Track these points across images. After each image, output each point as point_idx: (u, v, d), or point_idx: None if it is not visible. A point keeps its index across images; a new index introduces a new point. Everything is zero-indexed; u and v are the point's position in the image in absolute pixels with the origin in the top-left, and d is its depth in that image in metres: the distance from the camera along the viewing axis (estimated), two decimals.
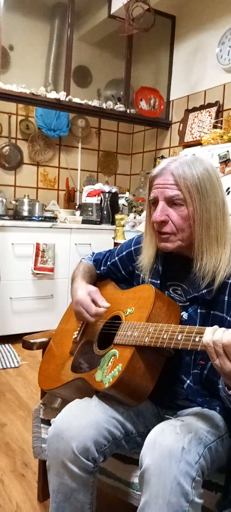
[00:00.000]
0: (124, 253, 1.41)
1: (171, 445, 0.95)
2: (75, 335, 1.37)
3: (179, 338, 0.99)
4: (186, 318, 1.18)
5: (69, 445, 1.06)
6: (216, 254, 1.12)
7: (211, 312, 1.14)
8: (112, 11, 3.74)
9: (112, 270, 1.44)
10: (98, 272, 1.48)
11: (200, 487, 0.97)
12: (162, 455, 0.95)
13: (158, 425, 1.04)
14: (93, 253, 1.54)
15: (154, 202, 1.19)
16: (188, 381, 1.17)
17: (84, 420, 1.09)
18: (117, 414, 1.15)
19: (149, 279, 1.29)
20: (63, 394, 1.40)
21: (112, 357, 1.15)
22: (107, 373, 1.12)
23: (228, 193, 2.78)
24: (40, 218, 3.68)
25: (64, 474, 1.08)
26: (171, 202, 1.15)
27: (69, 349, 1.36)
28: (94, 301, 1.27)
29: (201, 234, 1.12)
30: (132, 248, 1.39)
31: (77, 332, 1.37)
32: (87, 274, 1.43)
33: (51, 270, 3.48)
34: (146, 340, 1.07)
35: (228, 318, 1.11)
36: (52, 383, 1.35)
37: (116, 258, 1.43)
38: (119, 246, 1.46)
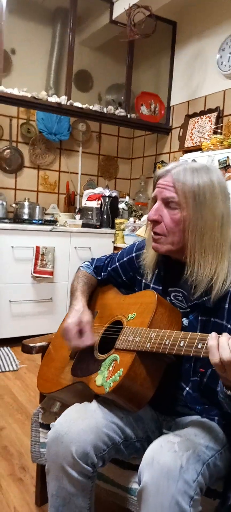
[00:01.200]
0: (125, 259, 1.41)
1: (169, 464, 0.94)
2: None
3: (181, 344, 0.99)
4: (187, 325, 1.18)
5: (68, 449, 1.06)
6: (211, 264, 1.12)
7: (211, 319, 1.14)
8: (114, 17, 3.76)
9: (112, 275, 1.45)
10: (99, 278, 1.48)
11: (199, 505, 0.96)
12: (160, 474, 0.94)
13: (156, 440, 1.03)
14: (92, 259, 1.53)
15: (154, 202, 1.21)
16: (187, 388, 1.17)
17: (84, 425, 1.09)
18: (116, 419, 1.14)
19: (151, 285, 1.29)
20: (63, 398, 1.39)
21: (113, 362, 1.14)
22: (108, 377, 1.12)
23: None
24: (40, 222, 3.68)
25: (63, 478, 1.08)
26: (167, 203, 1.16)
27: (69, 353, 1.36)
28: (81, 331, 1.27)
29: (194, 241, 1.12)
30: (134, 254, 1.39)
31: None
32: (86, 286, 1.42)
33: (51, 273, 3.48)
34: (147, 346, 1.07)
35: (229, 325, 1.11)
36: (51, 386, 1.35)
37: (117, 263, 1.43)
38: (120, 252, 1.47)
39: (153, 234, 1.21)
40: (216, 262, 1.12)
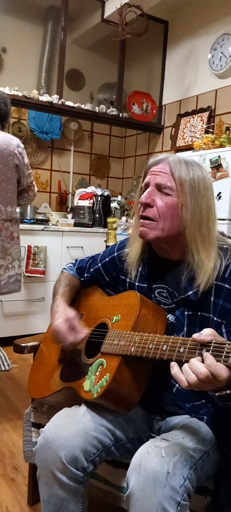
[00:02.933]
0: (107, 259, 1.41)
1: (156, 470, 0.94)
2: None
3: (164, 348, 0.99)
4: (173, 321, 1.19)
5: (57, 454, 1.06)
6: (208, 253, 1.13)
7: (198, 313, 1.15)
8: (105, 16, 3.76)
9: (95, 276, 1.44)
10: (82, 279, 1.47)
11: (187, 509, 0.96)
12: (147, 479, 0.94)
13: (144, 445, 1.03)
14: (76, 260, 1.52)
15: (146, 188, 1.20)
16: (177, 385, 1.17)
17: (72, 429, 1.09)
18: (105, 421, 1.14)
19: (136, 283, 1.29)
20: (53, 402, 1.39)
21: (100, 367, 1.14)
22: (95, 383, 1.12)
23: (219, 198, 2.80)
24: (32, 221, 3.67)
25: (53, 484, 1.08)
26: (160, 189, 1.16)
27: (58, 357, 1.35)
28: (72, 327, 1.25)
29: (193, 229, 1.13)
30: (115, 254, 1.39)
31: None
32: (68, 287, 1.41)
33: (43, 273, 3.47)
34: (132, 350, 1.07)
35: (215, 318, 1.12)
36: (42, 391, 1.34)
37: (99, 264, 1.43)
38: (102, 252, 1.46)
39: (142, 219, 1.19)
40: (211, 253, 1.14)
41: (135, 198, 4.16)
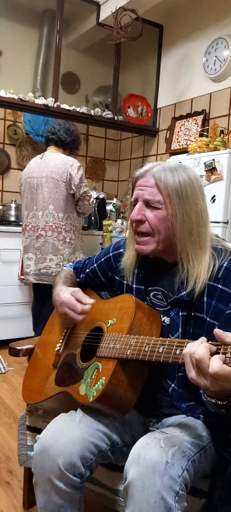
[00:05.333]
0: (103, 259, 1.42)
1: (155, 460, 0.95)
2: (58, 348, 1.36)
3: (160, 350, 1.00)
4: (168, 323, 1.19)
5: (55, 461, 1.06)
6: (200, 258, 1.15)
7: (192, 313, 1.16)
8: (101, 19, 3.77)
9: (91, 277, 1.45)
10: (78, 280, 1.49)
11: (184, 500, 0.97)
12: (146, 469, 0.95)
13: (142, 437, 1.04)
14: (73, 261, 1.56)
15: (135, 203, 1.21)
16: (173, 385, 1.18)
17: (70, 436, 1.09)
18: (102, 426, 1.14)
19: (134, 285, 1.30)
20: (48, 407, 1.39)
21: (96, 370, 1.15)
22: (91, 386, 1.12)
23: (213, 201, 2.82)
24: None
25: (51, 491, 1.08)
26: (149, 203, 1.17)
27: (52, 361, 1.35)
28: (78, 300, 1.28)
29: (184, 238, 1.14)
30: (111, 254, 1.40)
31: (59, 344, 1.37)
32: (69, 280, 1.44)
33: None
34: (128, 353, 1.07)
35: (208, 319, 1.13)
36: (36, 397, 1.34)
37: (95, 264, 1.44)
38: (97, 253, 1.48)
39: (137, 236, 1.21)
40: (203, 257, 1.15)
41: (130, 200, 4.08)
